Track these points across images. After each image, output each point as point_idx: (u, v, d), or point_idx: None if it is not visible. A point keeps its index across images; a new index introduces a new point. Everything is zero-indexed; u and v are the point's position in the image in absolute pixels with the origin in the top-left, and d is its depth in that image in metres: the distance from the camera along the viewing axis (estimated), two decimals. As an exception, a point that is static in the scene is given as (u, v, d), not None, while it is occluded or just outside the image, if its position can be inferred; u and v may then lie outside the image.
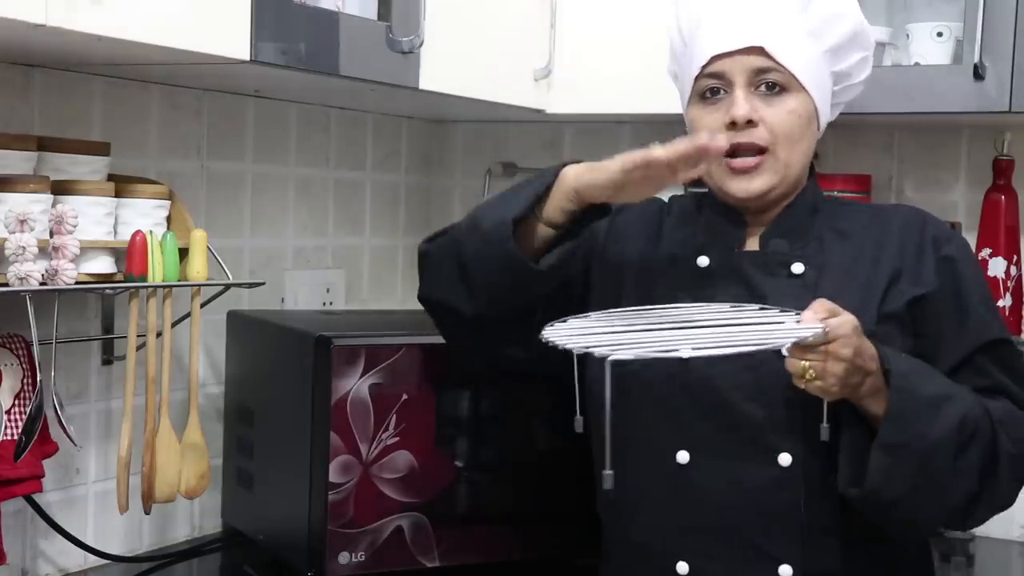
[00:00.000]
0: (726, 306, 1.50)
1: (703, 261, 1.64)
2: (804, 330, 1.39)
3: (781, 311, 1.47)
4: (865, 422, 1.49)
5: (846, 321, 1.43)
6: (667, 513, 1.59)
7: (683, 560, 1.58)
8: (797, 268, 1.59)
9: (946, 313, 1.58)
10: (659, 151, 1.46)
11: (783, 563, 1.54)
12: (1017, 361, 1.61)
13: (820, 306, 1.43)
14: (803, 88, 1.59)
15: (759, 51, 1.58)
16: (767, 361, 1.48)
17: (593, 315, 1.52)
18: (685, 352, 1.33)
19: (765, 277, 1.60)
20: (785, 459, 1.53)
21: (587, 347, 1.32)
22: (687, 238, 1.68)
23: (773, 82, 1.58)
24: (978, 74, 1.92)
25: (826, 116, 1.65)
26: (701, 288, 1.62)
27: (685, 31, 1.68)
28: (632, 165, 1.48)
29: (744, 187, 1.59)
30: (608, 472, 1.32)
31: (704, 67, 1.60)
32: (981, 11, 1.91)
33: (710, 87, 1.61)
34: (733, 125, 1.57)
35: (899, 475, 1.46)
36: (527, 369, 1.69)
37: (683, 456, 1.57)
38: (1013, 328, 2.18)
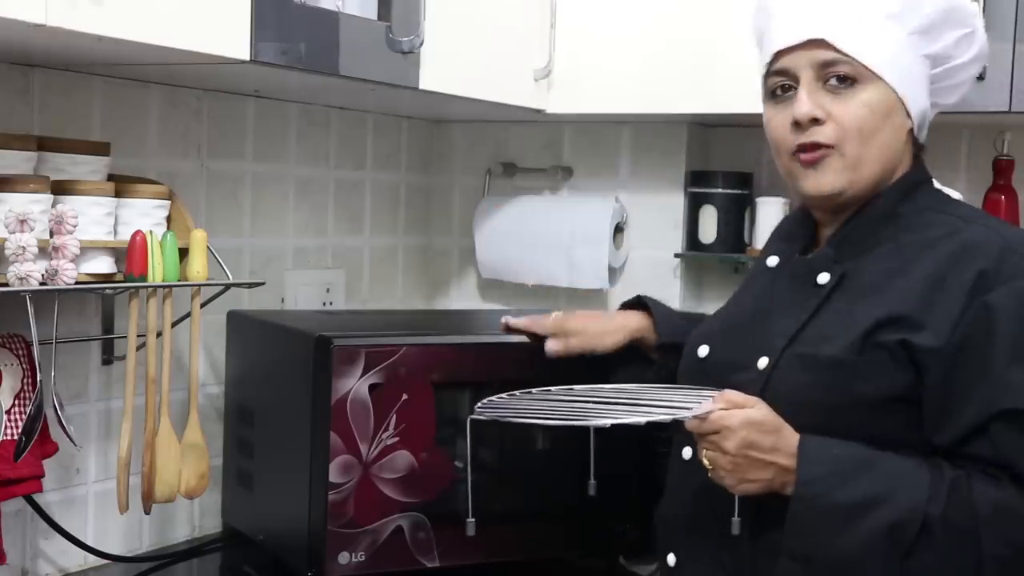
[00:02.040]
0: (680, 389, 1.51)
1: (772, 261, 1.63)
2: (661, 414, 1.41)
3: (712, 393, 1.46)
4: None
5: (733, 414, 1.41)
6: (671, 505, 1.63)
7: (672, 552, 1.61)
8: (822, 279, 1.53)
9: (963, 370, 1.42)
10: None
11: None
12: None
13: (722, 396, 1.43)
14: (879, 78, 1.49)
15: (822, 43, 1.49)
16: (749, 375, 1.52)
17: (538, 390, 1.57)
18: (540, 421, 1.43)
19: (795, 286, 1.55)
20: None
21: (479, 408, 1.48)
22: (775, 239, 1.67)
23: (843, 75, 1.49)
24: (978, 74, 1.92)
25: (921, 105, 1.54)
26: (754, 291, 1.63)
27: (759, 25, 1.61)
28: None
29: (815, 184, 1.52)
30: (470, 520, 1.43)
31: (770, 64, 1.55)
32: (981, 11, 1.91)
33: (779, 84, 1.54)
34: (797, 124, 1.51)
35: None
36: None
37: (687, 452, 1.59)
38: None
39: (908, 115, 1.53)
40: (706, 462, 1.44)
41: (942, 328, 1.43)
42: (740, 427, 1.41)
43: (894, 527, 1.39)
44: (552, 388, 1.55)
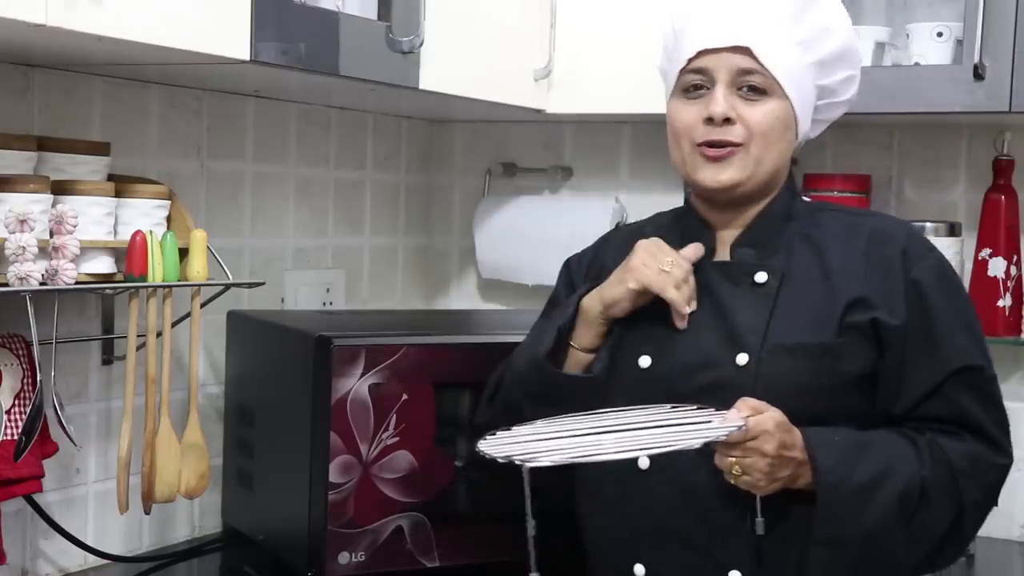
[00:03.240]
0: (666, 407, 1.51)
1: None
2: (717, 429, 1.42)
3: (716, 411, 1.47)
4: (809, 504, 1.50)
5: (767, 418, 1.46)
6: (628, 516, 1.61)
7: (640, 562, 1.60)
8: (760, 277, 1.59)
9: (913, 343, 1.56)
10: (671, 294, 1.58)
11: (732, 569, 1.54)
12: (987, 386, 1.59)
13: (744, 404, 1.46)
14: (785, 95, 1.59)
15: (746, 51, 1.58)
16: (725, 373, 1.55)
17: (539, 423, 1.50)
18: (605, 456, 1.36)
19: (730, 286, 1.61)
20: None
21: (509, 455, 1.36)
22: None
23: (755, 85, 1.58)
24: (978, 74, 1.92)
25: (805, 127, 1.65)
26: None
27: (677, 25, 1.68)
28: (635, 294, 1.60)
29: (714, 176, 1.60)
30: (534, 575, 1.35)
31: (690, 60, 1.61)
32: (981, 11, 1.91)
33: (693, 82, 1.61)
34: (710, 121, 1.58)
35: (844, 564, 1.50)
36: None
37: (644, 462, 1.58)
38: (1013, 328, 2.18)
39: (796, 134, 1.64)
40: (736, 469, 1.46)
41: (896, 307, 1.56)
42: (776, 429, 1.46)
43: (903, 497, 1.50)
44: (555, 419, 1.51)
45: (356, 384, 1.79)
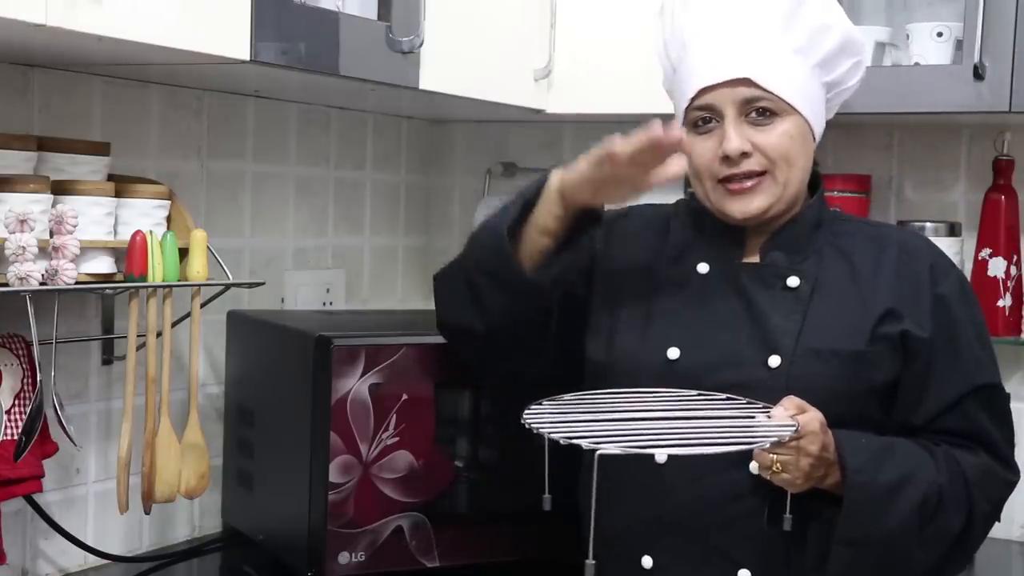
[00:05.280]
0: (693, 392, 1.52)
1: (703, 268, 1.65)
2: (778, 430, 1.42)
3: (747, 403, 1.48)
4: (832, 504, 1.52)
5: (814, 418, 1.47)
6: (640, 508, 1.62)
7: (648, 555, 1.61)
8: (792, 281, 1.60)
9: (938, 356, 1.59)
10: (617, 145, 1.51)
11: (742, 567, 1.56)
12: (1002, 405, 1.63)
13: (790, 403, 1.47)
14: (795, 110, 1.58)
15: (746, 81, 1.57)
16: (755, 374, 1.56)
17: (567, 397, 1.50)
18: (671, 451, 1.34)
19: (761, 289, 1.61)
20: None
21: (572, 437, 1.34)
22: (691, 244, 1.68)
23: (763, 108, 1.57)
24: (978, 74, 1.92)
25: (821, 128, 1.65)
26: (699, 295, 1.64)
27: (673, 57, 1.67)
28: (596, 159, 1.54)
29: (742, 208, 1.60)
30: (590, 562, 1.34)
31: (693, 99, 1.61)
32: (981, 11, 1.91)
33: (701, 118, 1.61)
34: (727, 158, 1.58)
35: (862, 564, 1.52)
36: (538, 380, 1.65)
37: (661, 456, 1.57)
38: (1013, 328, 2.18)
39: (814, 138, 1.64)
40: (777, 466, 1.46)
41: (923, 320, 1.59)
42: (821, 430, 1.48)
43: (923, 502, 1.52)
44: (584, 395, 1.51)
45: (356, 384, 1.79)
